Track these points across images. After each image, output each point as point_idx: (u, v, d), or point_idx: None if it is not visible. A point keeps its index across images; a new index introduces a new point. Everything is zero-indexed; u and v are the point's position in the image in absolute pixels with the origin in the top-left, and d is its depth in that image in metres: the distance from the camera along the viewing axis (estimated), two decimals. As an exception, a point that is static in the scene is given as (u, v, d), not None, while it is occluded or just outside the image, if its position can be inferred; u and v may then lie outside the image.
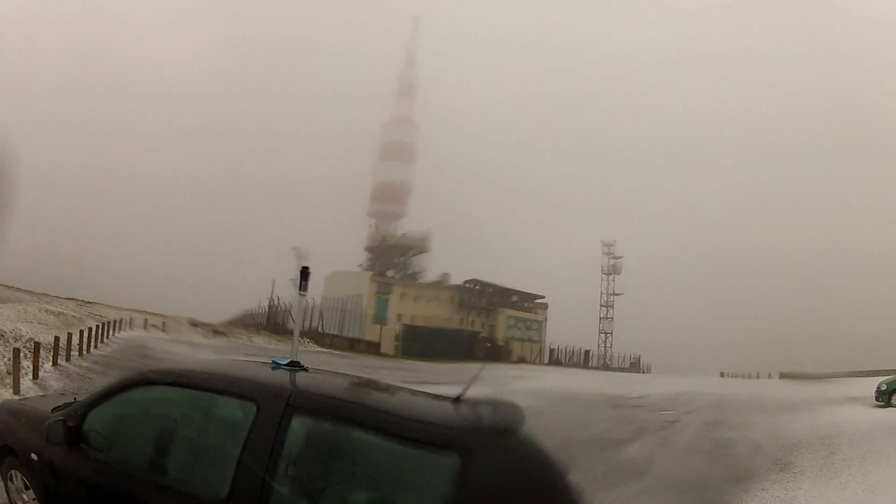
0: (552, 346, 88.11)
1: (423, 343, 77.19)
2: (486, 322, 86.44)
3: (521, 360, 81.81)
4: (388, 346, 77.51)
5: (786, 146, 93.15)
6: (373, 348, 74.82)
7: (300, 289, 7.34)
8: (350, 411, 5.29)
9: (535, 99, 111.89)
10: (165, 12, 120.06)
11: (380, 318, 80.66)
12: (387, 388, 6.39)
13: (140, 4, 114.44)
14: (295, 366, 6.52)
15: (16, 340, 25.26)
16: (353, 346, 73.39)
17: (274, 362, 6.49)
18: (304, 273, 7.34)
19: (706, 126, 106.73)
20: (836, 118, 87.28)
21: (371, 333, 78.18)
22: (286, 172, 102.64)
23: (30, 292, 54.24)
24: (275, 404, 5.43)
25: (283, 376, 6.05)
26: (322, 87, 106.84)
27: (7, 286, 53.29)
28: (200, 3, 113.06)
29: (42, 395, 13.99)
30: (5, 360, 20.51)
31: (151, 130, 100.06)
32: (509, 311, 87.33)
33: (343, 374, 6.92)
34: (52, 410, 7.37)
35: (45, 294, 55.94)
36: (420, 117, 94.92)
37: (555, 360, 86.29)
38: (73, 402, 7.49)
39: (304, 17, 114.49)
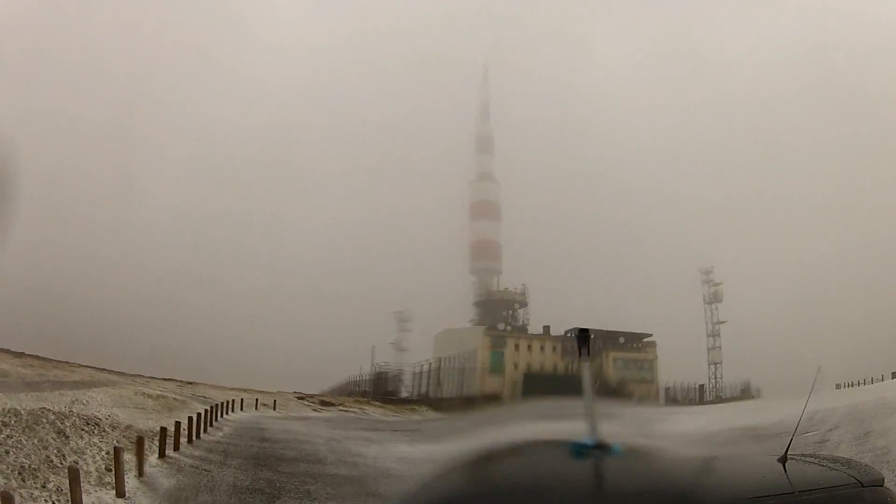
0: (667, 385, 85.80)
1: (542, 388, 74.00)
2: (591, 367, 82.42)
3: (640, 402, 79.66)
4: (507, 395, 78.05)
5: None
6: (492, 400, 74.27)
7: (581, 355, 5.58)
8: None
9: (607, 125, 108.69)
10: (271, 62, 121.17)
11: (496, 370, 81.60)
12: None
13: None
14: (602, 448, 4.48)
15: (113, 429, 22.37)
16: (470, 403, 72.73)
17: (575, 445, 4.52)
18: (584, 337, 5.65)
19: (796, 140, 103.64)
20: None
21: (489, 385, 78.79)
22: (374, 231, 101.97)
23: (122, 374, 52.46)
24: None
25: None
26: (401, 143, 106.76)
27: (97, 368, 51.62)
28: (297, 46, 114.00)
29: None
30: (103, 453, 17.34)
31: (240, 203, 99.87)
32: (615, 354, 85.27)
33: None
34: None
35: (139, 375, 54.23)
36: (499, 167, 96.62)
37: (671, 399, 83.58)
38: None
39: (373, 73, 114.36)
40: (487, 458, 5.06)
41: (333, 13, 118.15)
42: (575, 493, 4.17)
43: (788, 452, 4.49)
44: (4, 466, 13.19)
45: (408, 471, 21.09)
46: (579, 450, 4.62)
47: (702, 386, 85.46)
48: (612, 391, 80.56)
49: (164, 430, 21.10)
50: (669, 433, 34.98)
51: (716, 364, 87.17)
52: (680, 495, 4.05)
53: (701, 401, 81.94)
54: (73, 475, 11.18)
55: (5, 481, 12.35)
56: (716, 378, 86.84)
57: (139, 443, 16.91)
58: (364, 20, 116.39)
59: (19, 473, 12.99)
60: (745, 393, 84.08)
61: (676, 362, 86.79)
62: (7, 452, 14.37)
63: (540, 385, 77.03)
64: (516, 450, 5.58)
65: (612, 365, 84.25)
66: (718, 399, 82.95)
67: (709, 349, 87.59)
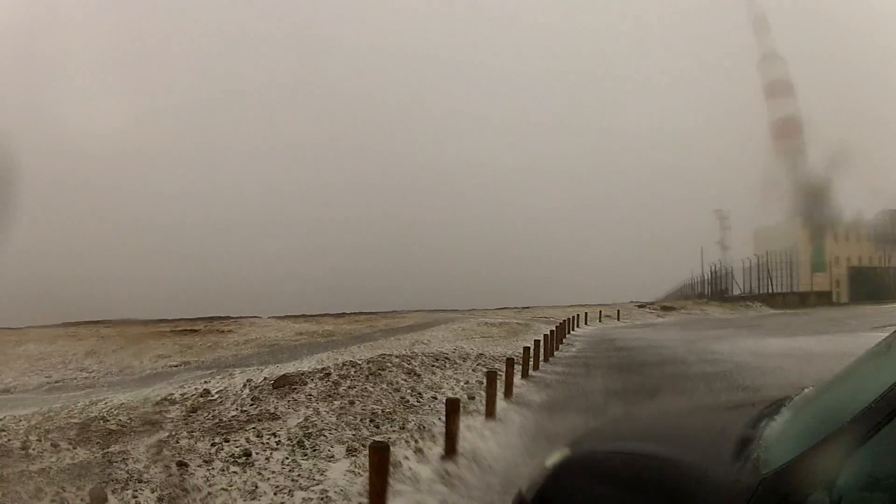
0: None
1: (869, 285, 70.26)
2: None
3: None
4: (835, 293, 72.14)
5: None
6: (824, 298, 68.68)
7: None
8: None
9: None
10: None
11: (818, 266, 74.51)
12: None
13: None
14: None
15: (463, 360, 20.84)
16: (804, 300, 67.71)
17: None
18: None
19: None
20: None
21: (816, 283, 72.68)
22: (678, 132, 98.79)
23: (455, 311, 55.25)
24: None
25: None
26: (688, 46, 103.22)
27: (428, 310, 52.23)
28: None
29: None
30: (461, 384, 16.08)
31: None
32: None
33: None
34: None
35: (472, 309, 57.48)
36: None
37: None
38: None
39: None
40: None
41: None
42: None
43: None
44: (351, 417, 11.67)
45: (764, 363, 17.76)
46: None
47: None
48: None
49: (526, 349, 19.60)
50: None
51: None
52: None
53: None
54: (452, 406, 9.74)
55: (354, 432, 9.74)
56: None
57: (508, 364, 15.48)
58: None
59: (371, 421, 10.82)
60: None
61: None
62: (352, 403, 12.70)
63: (867, 282, 71.58)
64: None
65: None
66: None
67: None
